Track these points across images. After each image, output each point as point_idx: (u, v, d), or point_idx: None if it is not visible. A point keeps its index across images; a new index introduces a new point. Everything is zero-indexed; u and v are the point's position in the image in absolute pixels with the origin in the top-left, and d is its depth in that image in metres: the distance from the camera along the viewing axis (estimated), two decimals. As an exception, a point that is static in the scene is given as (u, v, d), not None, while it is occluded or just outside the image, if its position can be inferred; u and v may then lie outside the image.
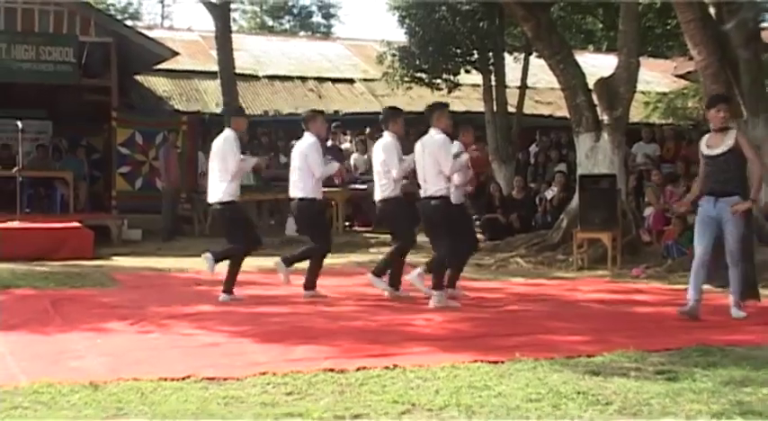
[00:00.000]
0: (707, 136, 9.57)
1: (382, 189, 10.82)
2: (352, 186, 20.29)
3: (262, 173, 10.44)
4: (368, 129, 22.31)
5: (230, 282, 10.77)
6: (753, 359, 6.81)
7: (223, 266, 10.81)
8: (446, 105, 11.05)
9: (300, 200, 10.97)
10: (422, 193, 10.49)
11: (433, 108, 10.68)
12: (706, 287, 11.91)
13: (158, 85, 24.78)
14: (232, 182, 10.70)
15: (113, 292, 11.50)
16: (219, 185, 10.71)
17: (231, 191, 10.71)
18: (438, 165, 10.25)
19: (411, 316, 9.37)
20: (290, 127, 21.79)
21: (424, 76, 23.85)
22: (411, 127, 24.00)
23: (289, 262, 11.07)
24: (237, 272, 10.85)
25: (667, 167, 19.31)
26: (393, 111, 11.18)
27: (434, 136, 10.41)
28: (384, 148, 10.78)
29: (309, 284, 11.01)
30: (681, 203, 9.71)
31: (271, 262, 11.31)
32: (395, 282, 10.99)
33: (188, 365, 6.67)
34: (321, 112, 11.59)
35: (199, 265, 14.50)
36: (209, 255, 10.92)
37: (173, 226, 19.76)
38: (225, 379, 6.24)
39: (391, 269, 11.00)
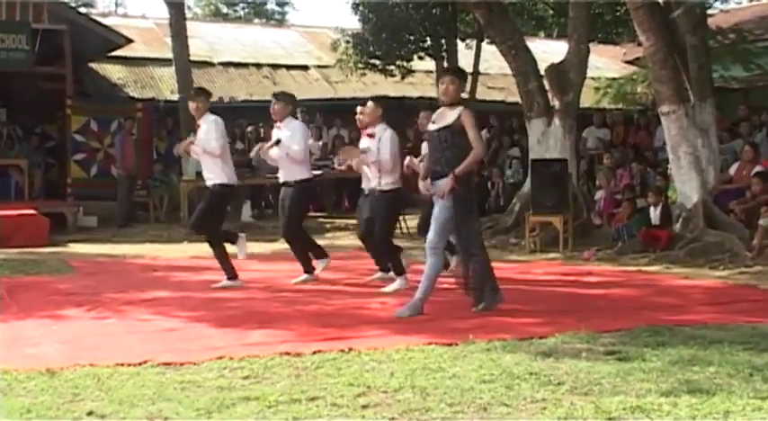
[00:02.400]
0: (438, 110, 8.77)
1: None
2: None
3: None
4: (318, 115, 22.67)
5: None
6: (700, 338, 6.87)
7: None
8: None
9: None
10: None
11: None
12: (653, 269, 12.13)
13: (113, 72, 24.60)
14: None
15: (69, 279, 11.46)
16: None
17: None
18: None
19: (366, 299, 9.43)
20: (245, 113, 21.86)
21: (377, 62, 23.91)
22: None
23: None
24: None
25: (617, 151, 19.49)
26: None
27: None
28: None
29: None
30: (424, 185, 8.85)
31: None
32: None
33: (145, 350, 6.69)
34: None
35: (155, 251, 14.54)
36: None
37: (128, 213, 19.72)
38: (182, 363, 6.25)
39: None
